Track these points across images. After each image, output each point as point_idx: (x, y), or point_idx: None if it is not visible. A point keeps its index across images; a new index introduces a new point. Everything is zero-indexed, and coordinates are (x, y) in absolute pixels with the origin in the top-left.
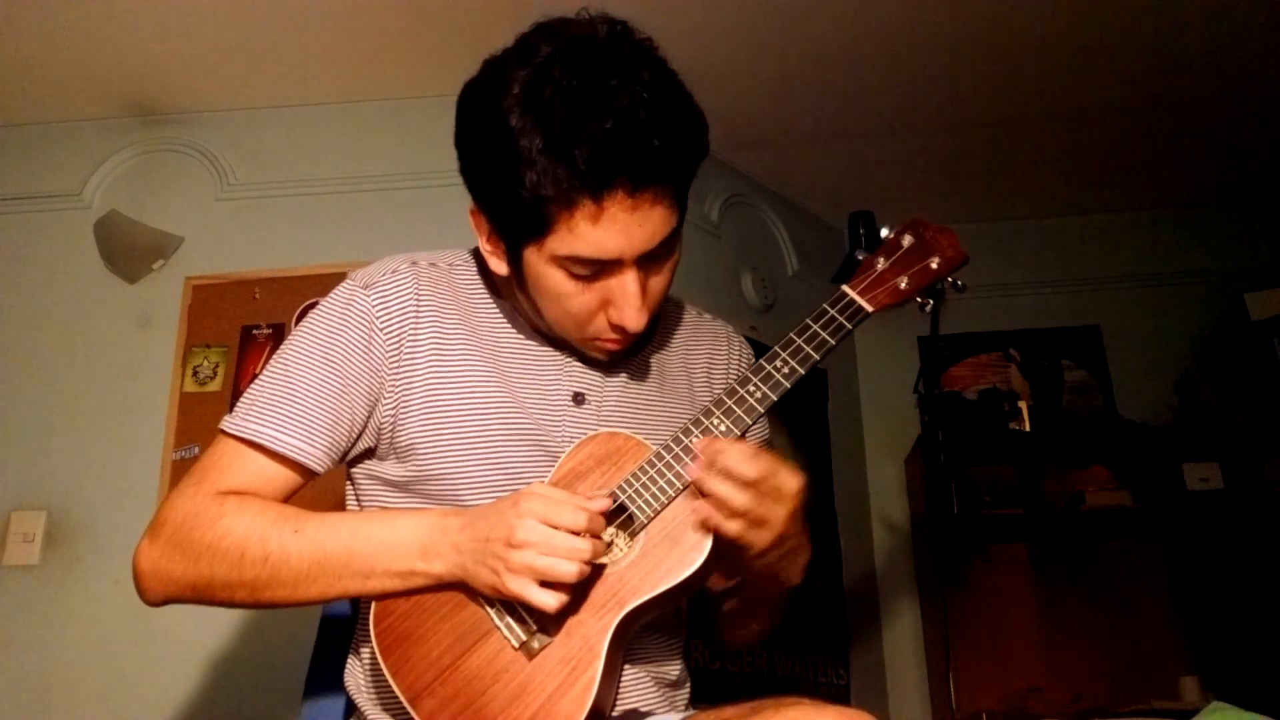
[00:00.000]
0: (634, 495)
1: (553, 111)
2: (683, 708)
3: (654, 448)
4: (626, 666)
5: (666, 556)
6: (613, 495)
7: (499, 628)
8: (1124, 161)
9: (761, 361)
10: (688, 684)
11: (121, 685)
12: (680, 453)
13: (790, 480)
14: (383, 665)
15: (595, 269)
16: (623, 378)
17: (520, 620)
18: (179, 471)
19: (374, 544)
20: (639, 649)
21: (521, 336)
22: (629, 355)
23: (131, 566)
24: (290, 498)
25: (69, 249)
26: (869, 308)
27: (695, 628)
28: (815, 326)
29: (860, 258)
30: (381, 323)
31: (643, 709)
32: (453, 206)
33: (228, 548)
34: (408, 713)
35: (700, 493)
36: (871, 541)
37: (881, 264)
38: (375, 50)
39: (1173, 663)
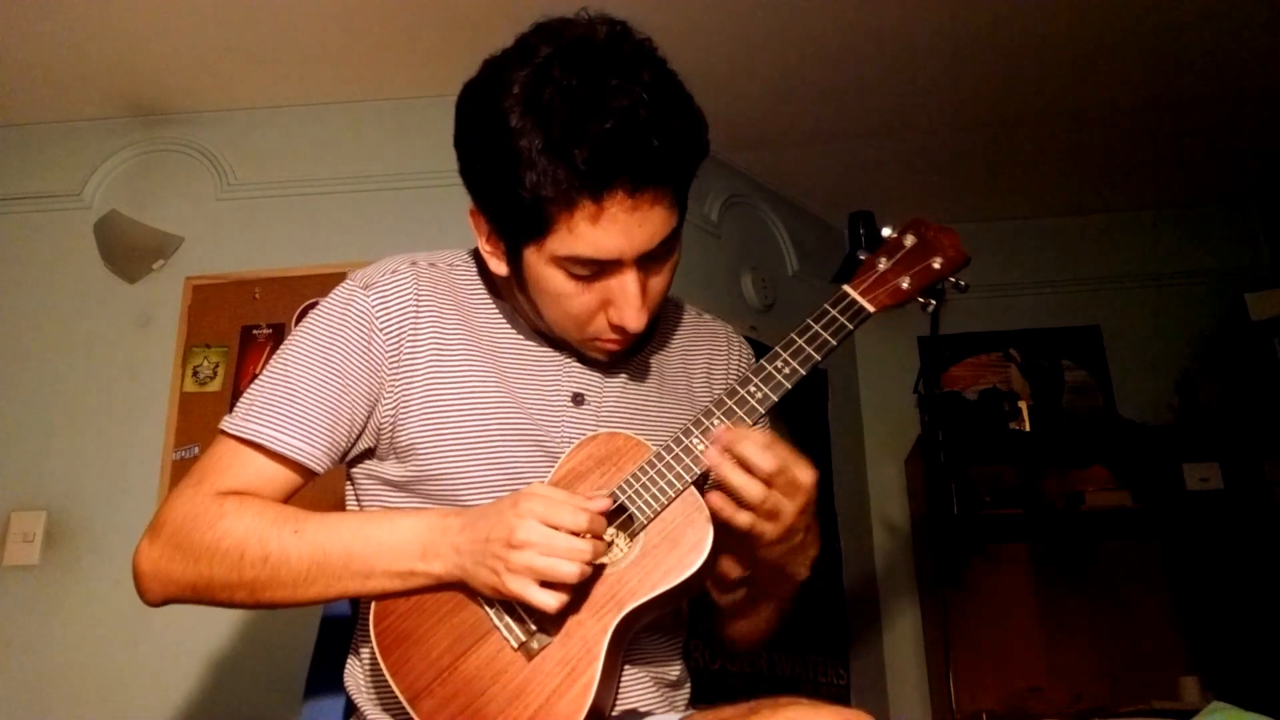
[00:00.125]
0: (634, 496)
1: (552, 112)
2: (683, 708)
3: (654, 448)
4: (626, 667)
5: (666, 557)
6: (612, 496)
7: (498, 628)
8: (1124, 161)
9: (762, 362)
10: (688, 684)
11: (121, 685)
12: (680, 453)
13: (804, 474)
14: (382, 665)
15: (595, 269)
16: (622, 378)
17: (519, 621)
18: (179, 471)
19: (373, 544)
20: (639, 649)
21: (521, 337)
22: (629, 356)
23: (132, 567)
24: (290, 498)
25: (69, 249)
26: (870, 308)
27: (696, 628)
28: (816, 327)
29: (862, 257)
30: (381, 323)
31: (642, 709)
32: (453, 206)
33: (227, 548)
34: (407, 713)
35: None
36: (871, 541)
37: (883, 264)
38: (375, 50)
39: (1173, 663)
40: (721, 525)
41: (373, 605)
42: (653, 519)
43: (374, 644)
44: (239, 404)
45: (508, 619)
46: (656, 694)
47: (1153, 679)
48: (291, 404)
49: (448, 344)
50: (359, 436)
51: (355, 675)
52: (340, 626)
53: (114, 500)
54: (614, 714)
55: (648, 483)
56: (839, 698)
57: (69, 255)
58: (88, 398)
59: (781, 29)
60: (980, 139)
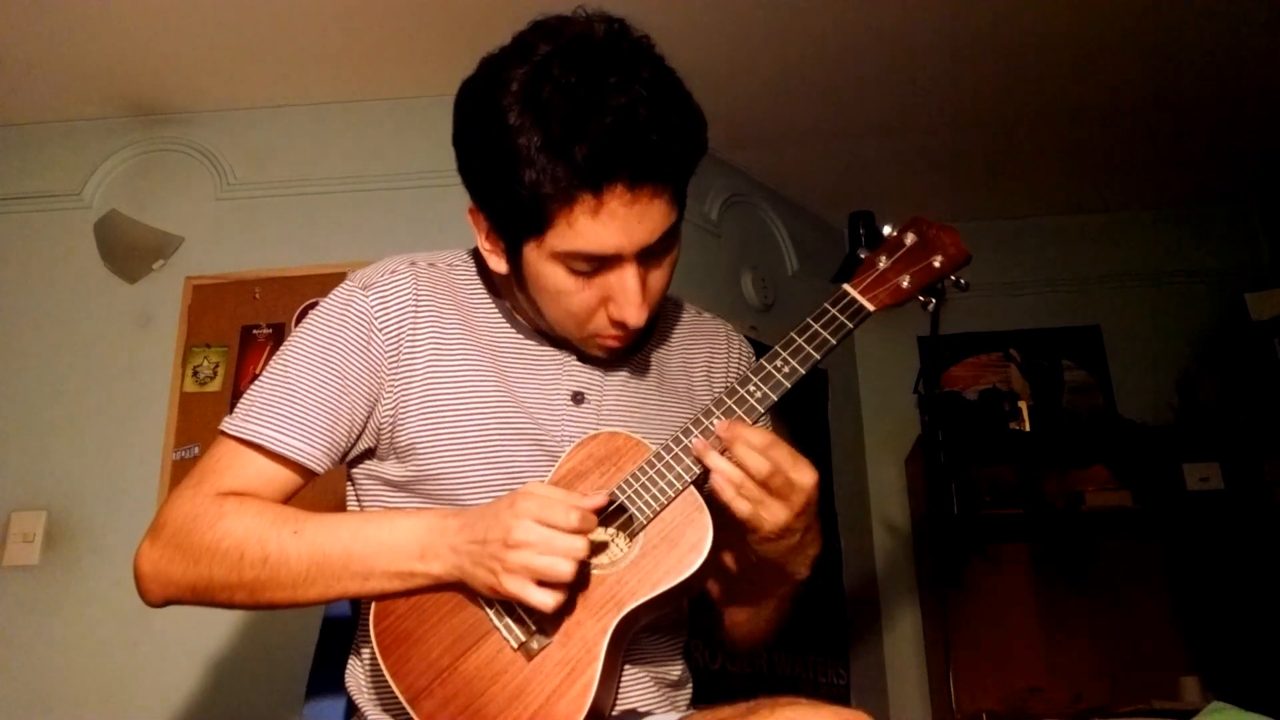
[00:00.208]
0: (633, 496)
1: (551, 109)
2: (684, 708)
3: (654, 448)
4: (627, 667)
5: (665, 558)
6: (612, 495)
7: (498, 628)
8: (1124, 160)
9: (762, 361)
10: (690, 685)
11: (121, 686)
12: (680, 453)
13: (804, 475)
14: (382, 665)
15: (595, 265)
16: (622, 376)
17: (519, 621)
18: (179, 471)
19: (372, 545)
20: (639, 649)
21: (520, 336)
22: (628, 354)
23: (133, 568)
24: (290, 498)
25: (69, 249)
26: (871, 307)
27: (697, 628)
28: (816, 326)
29: (862, 255)
30: (380, 323)
31: (642, 709)
32: (453, 206)
33: (227, 549)
34: (408, 713)
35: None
36: (872, 541)
37: (883, 262)
38: (375, 50)
39: (1173, 663)
40: (729, 523)
41: (373, 606)
42: (652, 519)
43: (374, 644)
44: (239, 405)
45: (507, 619)
46: (657, 694)
47: (1153, 679)
48: (291, 404)
49: (447, 344)
50: (359, 437)
51: (356, 676)
52: (341, 627)
53: (114, 500)
54: (614, 714)
55: (647, 483)
56: (839, 698)
57: (69, 255)
58: (88, 398)
59: (781, 28)
60: (980, 138)
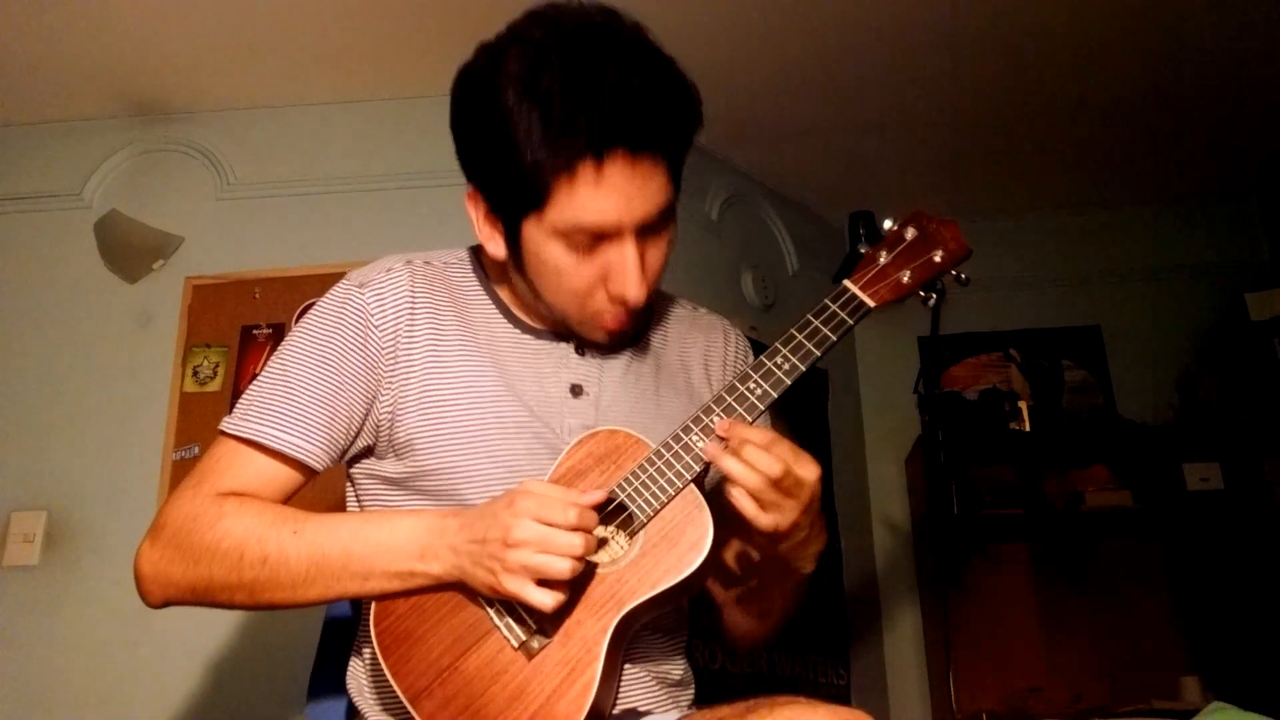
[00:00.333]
0: (633, 494)
1: (551, 84)
2: (686, 707)
3: (653, 446)
4: (627, 666)
5: (665, 556)
6: (611, 494)
7: (498, 628)
8: (1125, 159)
9: (762, 358)
10: (692, 685)
11: (122, 686)
12: (680, 450)
13: (807, 471)
14: (383, 665)
15: (595, 240)
16: (620, 369)
17: (519, 620)
18: (179, 471)
19: (372, 545)
20: (640, 648)
21: (518, 331)
22: (626, 346)
23: (133, 569)
24: (290, 497)
25: (69, 249)
26: (871, 303)
27: (696, 628)
28: (817, 322)
29: (863, 251)
30: (377, 320)
31: (642, 709)
32: (453, 206)
33: (227, 549)
34: (408, 713)
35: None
36: (872, 541)
37: (884, 258)
38: (375, 50)
39: (1173, 663)
40: (729, 520)
41: (373, 606)
42: (652, 517)
43: (374, 644)
44: (238, 404)
45: (508, 619)
46: (658, 693)
47: (1153, 679)
48: (289, 402)
49: (444, 340)
50: (357, 434)
51: (357, 676)
52: (342, 628)
53: (114, 500)
54: (614, 713)
55: (647, 480)
56: (839, 698)
57: (69, 255)
58: (88, 398)
59: (781, 25)
60: (981, 136)
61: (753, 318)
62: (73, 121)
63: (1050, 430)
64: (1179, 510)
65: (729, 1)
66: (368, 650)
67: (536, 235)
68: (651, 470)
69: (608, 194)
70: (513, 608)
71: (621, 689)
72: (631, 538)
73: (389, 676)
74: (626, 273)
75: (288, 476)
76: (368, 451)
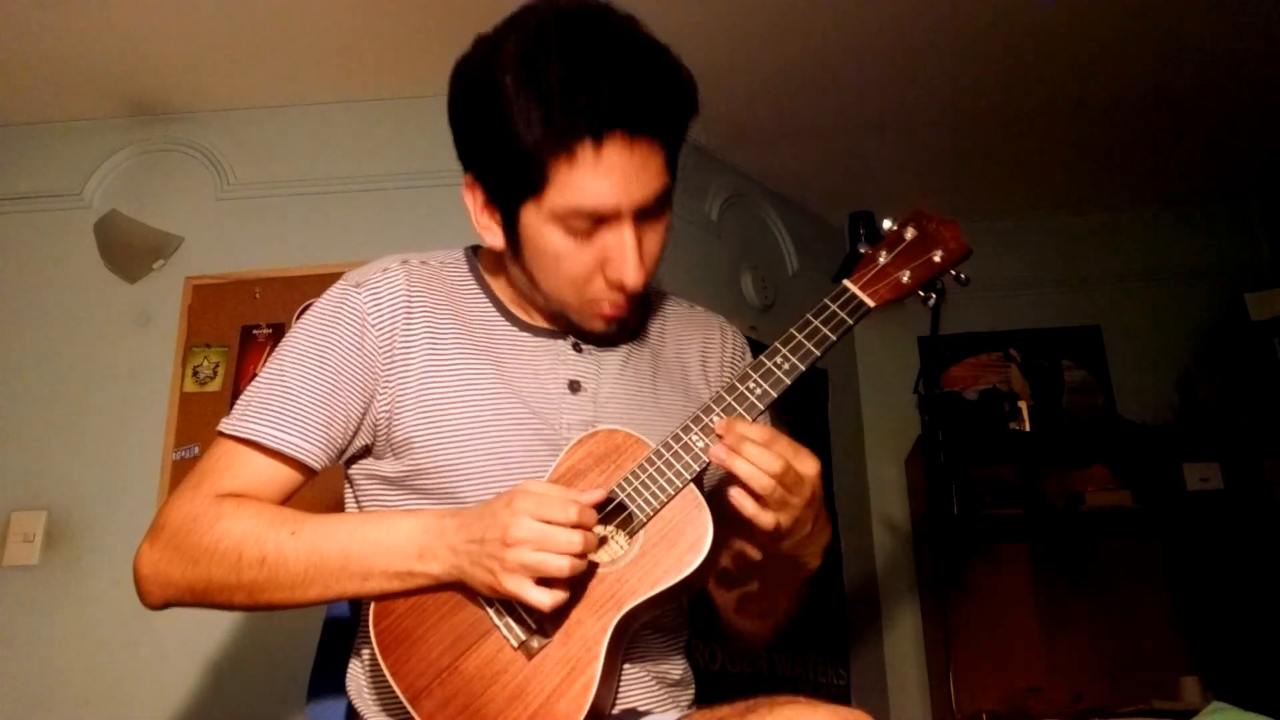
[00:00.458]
0: (633, 494)
1: (549, 67)
2: (686, 707)
3: (653, 445)
4: (627, 666)
5: (665, 556)
6: (611, 493)
7: (498, 627)
8: (1125, 160)
9: (762, 358)
10: (692, 685)
11: (122, 686)
12: (680, 450)
13: (807, 466)
14: (382, 665)
15: (593, 224)
16: (617, 365)
17: (519, 620)
18: (179, 471)
19: (370, 545)
20: (639, 648)
21: (515, 329)
22: (623, 343)
23: (132, 570)
24: (289, 498)
25: (69, 249)
26: (871, 303)
27: (697, 628)
28: (816, 322)
29: (862, 250)
30: (374, 319)
31: (642, 708)
32: (452, 206)
33: (225, 550)
34: (408, 714)
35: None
36: (872, 541)
37: (884, 258)
38: (376, 50)
39: (1173, 663)
40: (730, 520)
41: (372, 605)
42: (652, 517)
43: (374, 644)
44: (236, 406)
45: (507, 618)
46: (657, 693)
47: (1153, 679)
48: (286, 402)
49: (441, 338)
50: (355, 433)
51: (356, 677)
52: (342, 628)
53: (114, 500)
54: (614, 713)
55: (647, 480)
56: (839, 698)
57: (69, 255)
58: (88, 398)
59: (781, 24)
60: (981, 137)
61: (752, 318)
62: (73, 121)
63: (1050, 430)
64: (1179, 510)
65: (729, 2)
66: (366, 651)
67: (535, 221)
68: (651, 470)
69: (606, 176)
70: (512, 607)
71: (621, 689)
72: (631, 537)
73: (388, 676)
74: (625, 257)
75: (286, 476)
76: (366, 451)
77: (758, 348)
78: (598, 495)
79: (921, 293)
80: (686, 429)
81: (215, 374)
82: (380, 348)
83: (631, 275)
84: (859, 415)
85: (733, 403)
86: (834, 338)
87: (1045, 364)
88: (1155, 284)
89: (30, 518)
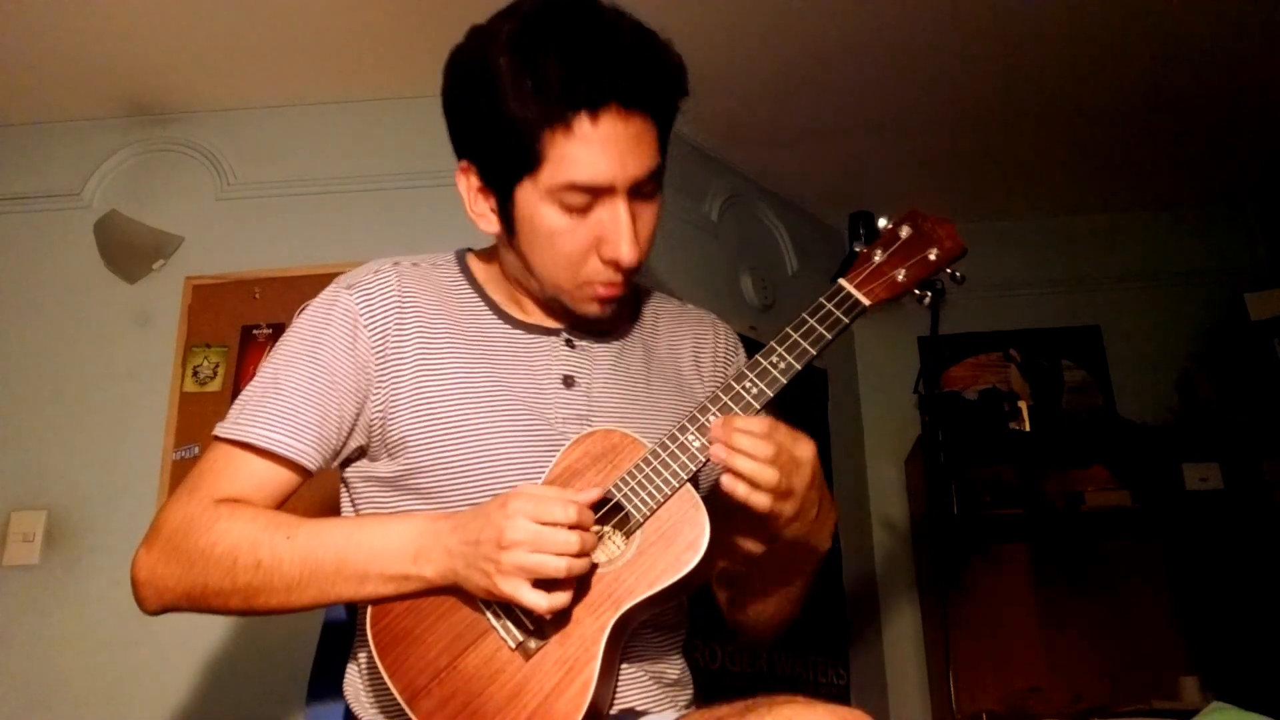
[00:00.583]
0: (630, 494)
1: (543, 46)
2: (683, 706)
3: (649, 445)
4: (624, 665)
5: (662, 555)
6: (608, 494)
7: (495, 628)
8: (1123, 160)
9: (758, 357)
10: (690, 685)
11: (122, 686)
12: (676, 450)
13: (803, 449)
14: (380, 665)
15: (588, 199)
16: (611, 360)
17: (516, 621)
18: (179, 471)
19: (365, 549)
20: (637, 647)
21: (507, 326)
22: (615, 339)
23: (130, 576)
24: (286, 500)
25: (69, 249)
26: (866, 301)
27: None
28: (812, 321)
29: (857, 249)
30: (366, 320)
31: (640, 708)
32: (453, 206)
33: (220, 554)
34: (405, 717)
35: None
36: (871, 541)
37: (879, 256)
38: (376, 50)
39: (1173, 663)
40: (738, 514)
41: (369, 606)
42: (649, 517)
43: (371, 644)
44: (230, 410)
45: (505, 619)
46: (655, 692)
47: (1153, 679)
48: (279, 403)
49: (433, 338)
50: (350, 434)
51: (354, 682)
52: (340, 631)
53: (114, 500)
54: (612, 713)
55: (643, 480)
56: (839, 698)
57: (69, 255)
58: (88, 397)
59: (780, 26)
60: (980, 138)
61: (752, 318)
62: (73, 121)
63: (1050, 430)
64: (1178, 510)
65: (728, 2)
66: (363, 655)
67: (530, 200)
68: (648, 470)
69: (602, 149)
70: (509, 608)
71: (618, 689)
72: (628, 537)
73: (385, 677)
74: (620, 232)
75: (282, 478)
76: (361, 453)
77: (757, 348)
78: (594, 494)
79: (917, 291)
80: (683, 428)
81: (215, 374)
82: (373, 348)
83: (627, 250)
84: (859, 415)
85: (729, 402)
86: (830, 337)
87: (1045, 364)
88: (1155, 284)
89: (30, 518)
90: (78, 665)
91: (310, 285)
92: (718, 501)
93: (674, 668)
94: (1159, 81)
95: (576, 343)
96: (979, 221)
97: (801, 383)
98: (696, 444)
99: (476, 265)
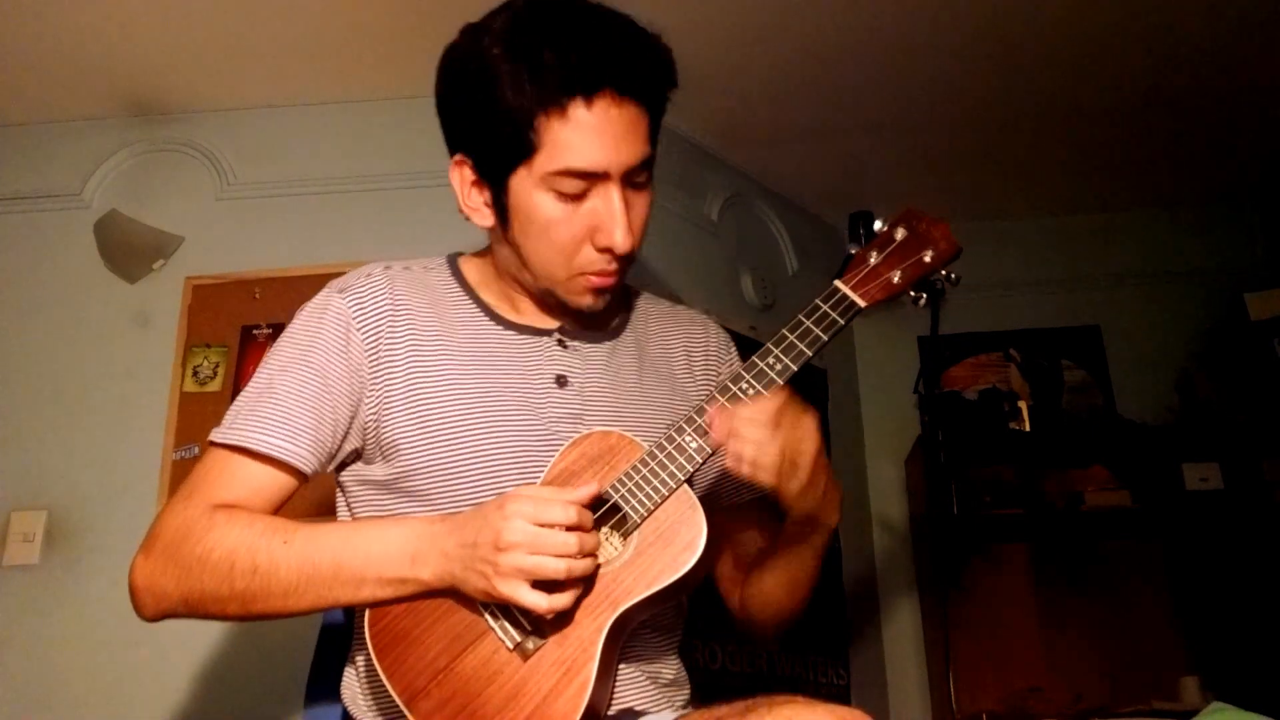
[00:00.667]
0: (627, 495)
1: (537, 35)
2: (680, 706)
3: (646, 446)
4: (621, 665)
5: (660, 556)
6: (605, 494)
7: (493, 629)
8: (1123, 160)
9: (754, 358)
10: (687, 686)
11: (122, 686)
12: (674, 451)
13: (807, 420)
14: (378, 666)
15: (583, 186)
16: (603, 360)
17: (514, 622)
18: (179, 471)
19: (362, 553)
20: (634, 647)
21: (499, 328)
22: (607, 339)
23: (128, 582)
24: (282, 505)
25: (69, 249)
26: (861, 302)
27: (697, 627)
28: (808, 323)
29: (852, 251)
30: (358, 323)
31: (639, 708)
32: (452, 206)
33: (217, 560)
34: (403, 717)
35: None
36: (871, 541)
37: (874, 258)
38: (376, 50)
39: (1173, 663)
40: (745, 503)
41: (367, 609)
42: (646, 518)
43: (369, 645)
44: (225, 416)
45: (503, 620)
46: (652, 692)
47: (1153, 679)
48: (274, 407)
49: (426, 340)
50: (344, 437)
51: (351, 685)
52: (339, 634)
53: (114, 500)
54: (610, 713)
55: (641, 481)
56: (839, 698)
57: (69, 255)
58: (88, 397)
59: (779, 26)
60: (980, 137)
61: (752, 318)
62: (73, 121)
63: (1050, 430)
64: (1178, 510)
65: (729, 2)
66: (361, 658)
67: (525, 189)
68: (645, 471)
69: (596, 135)
70: (507, 609)
71: (616, 689)
72: (625, 538)
73: (384, 678)
74: (614, 218)
75: (278, 482)
76: (356, 456)
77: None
78: (591, 489)
79: (912, 293)
80: (680, 430)
81: (215, 374)
82: (366, 352)
83: (621, 237)
84: (859, 415)
85: (725, 403)
86: (826, 338)
87: (1045, 364)
88: (1155, 284)
89: (30, 518)
90: (78, 665)
91: (310, 285)
92: (716, 502)
93: (670, 668)
94: (1158, 81)
95: (569, 343)
96: (978, 221)
97: (801, 382)
98: (694, 445)
99: (468, 268)
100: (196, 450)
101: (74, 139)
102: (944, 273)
